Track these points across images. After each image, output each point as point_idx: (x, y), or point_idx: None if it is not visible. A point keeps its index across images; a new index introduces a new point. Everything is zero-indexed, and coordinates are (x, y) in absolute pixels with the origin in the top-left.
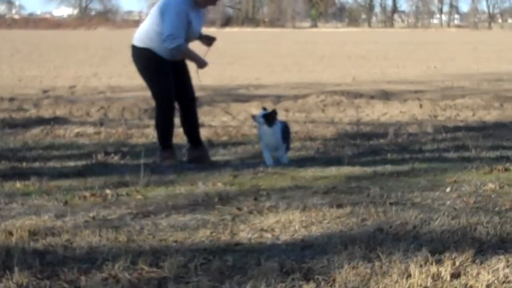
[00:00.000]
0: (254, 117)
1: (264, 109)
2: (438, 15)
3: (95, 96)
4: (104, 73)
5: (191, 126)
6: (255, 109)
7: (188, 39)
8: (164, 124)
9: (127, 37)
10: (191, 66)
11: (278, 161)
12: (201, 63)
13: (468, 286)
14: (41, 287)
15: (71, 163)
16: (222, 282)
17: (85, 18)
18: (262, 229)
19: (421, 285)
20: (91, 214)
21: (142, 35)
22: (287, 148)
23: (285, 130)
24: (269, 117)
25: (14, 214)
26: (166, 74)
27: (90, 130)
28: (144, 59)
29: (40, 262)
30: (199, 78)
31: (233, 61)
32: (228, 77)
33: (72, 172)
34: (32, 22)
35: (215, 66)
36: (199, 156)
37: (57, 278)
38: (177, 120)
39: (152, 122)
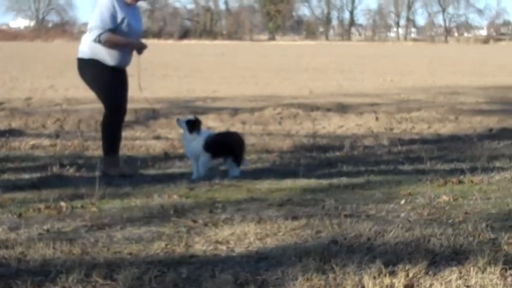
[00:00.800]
0: (178, 120)
1: (194, 117)
2: (395, 29)
3: (51, 108)
4: (60, 85)
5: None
6: (212, 121)
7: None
8: (114, 131)
9: None
10: (133, 80)
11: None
12: (139, 45)
13: None
14: None
15: (26, 176)
16: None
17: (42, 30)
18: (217, 241)
19: None
20: (45, 227)
21: (85, 47)
22: (238, 161)
23: (232, 143)
24: (192, 124)
25: None
26: (115, 82)
27: (46, 142)
28: (91, 69)
29: None
30: (141, 90)
31: (190, 73)
32: (185, 89)
33: (27, 184)
34: None
35: (172, 79)
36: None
37: None
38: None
39: None
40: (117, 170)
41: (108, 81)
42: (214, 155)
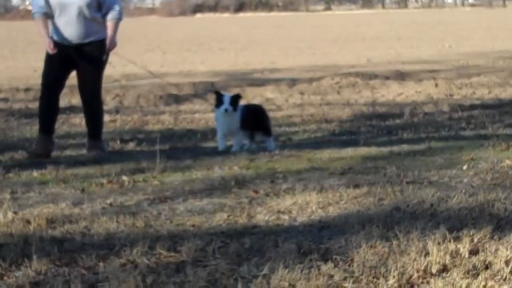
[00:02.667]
0: (220, 94)
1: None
2: None
3: (110, 84)
4: (117, 61)
5: (86, 120)
6: (271, 93)
7: (61, 11)
8: (40, 109)
9: (140, 25)
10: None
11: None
12: (48, 44)
13: (487, 262)
14: (59, 274)
15: None
16: (240, 265)
17: None
18: (279, 211)
19: (439, 263)
20: (108, 201)
21: None
22: (268, 133)
23: (256, 115)
24: (236, 100)
25: (32, 203)
26: (50, 59)
27: (106, 118)
28: None
29: (58, 250)
30: (152, 74)
31: (247, 46)
32: (242, 62)
33: (89, 159)
34: None
35: (229, 52)
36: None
37: (75, 265)
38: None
39: (168, 109)
40: (39, 150)
41: (46, 56)
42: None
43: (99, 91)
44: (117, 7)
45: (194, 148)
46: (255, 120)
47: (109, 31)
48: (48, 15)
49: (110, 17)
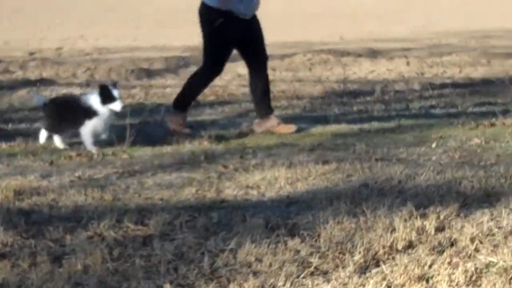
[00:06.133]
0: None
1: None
2: None
3: (81, 57)
4: (91, 34)
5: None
6: (243, 69)
7: None
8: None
9: None
10: None
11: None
12: None
13: (452, 239)
14: (26, 246)
15: None
16: (207, 239)
17: None
18: (247, 186)
19: (405, 239)
20: (76, 174)
21: None
22: None
23: None
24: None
25: (0, 175)
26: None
27: (76, 91)
28: None
29: (26, 221)
30: None
31: None
32: None
33: None
34: None
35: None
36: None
37: (42, 237)
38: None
39: (140, 83)
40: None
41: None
42: None
43: None
44: None
45: (165, 122)
46: None
47: None
48: None
49: None
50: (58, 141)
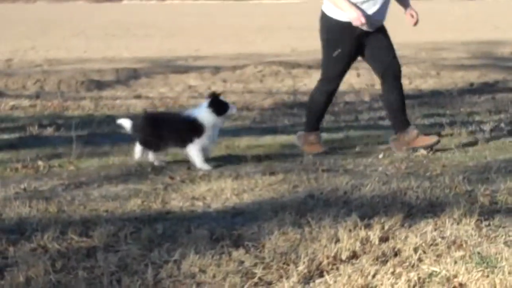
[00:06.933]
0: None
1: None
2: None
3: (32, 69)
4: (41, 46)
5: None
6: (194, 80)
7: None
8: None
9: (66, 10)
10: None
11: None
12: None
13: (396, 249)
14: None
15: (5, 136)
16: (151, 250)
17: None
18: (193, 198)
19: (349, 249)
20: (22, 186)
21: None
22: None
23: None
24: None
25: None
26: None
27: (26, 103)
28: None
29: None
30: None
31: (172, 33)
32: (167, 49)
33: (5, 144)
34: None
35: (154, 39)
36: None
37: None
38: None
39: (90, 94)
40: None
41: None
42: None
43: None
44: None
45: (113, 134)
46: None
47: None
48: None
49: None
50: (153, 158)
